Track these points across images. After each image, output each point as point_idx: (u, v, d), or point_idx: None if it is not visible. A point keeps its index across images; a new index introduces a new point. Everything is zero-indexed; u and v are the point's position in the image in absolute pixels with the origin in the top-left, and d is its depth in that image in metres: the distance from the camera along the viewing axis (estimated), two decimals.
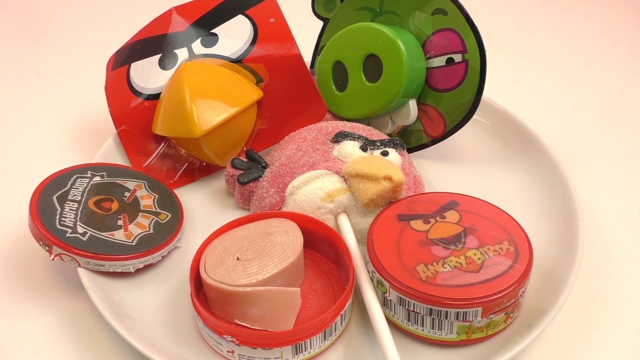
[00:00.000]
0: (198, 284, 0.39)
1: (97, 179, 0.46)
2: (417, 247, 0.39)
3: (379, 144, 0.46)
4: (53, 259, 0.41)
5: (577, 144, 0.58)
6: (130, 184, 0.47)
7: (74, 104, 0.64)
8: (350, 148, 0.45)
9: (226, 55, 0.52)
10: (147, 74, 0.53)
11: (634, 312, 0.42)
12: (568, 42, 0.77)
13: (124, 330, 0.37)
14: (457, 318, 0.36)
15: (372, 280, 0.39)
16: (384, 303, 0.38)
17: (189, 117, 0.46)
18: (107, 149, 0.52)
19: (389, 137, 0.47)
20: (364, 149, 0.45)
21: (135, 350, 0.38)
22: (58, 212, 0.42)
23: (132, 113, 0.53)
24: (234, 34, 0.52)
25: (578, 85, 0.68)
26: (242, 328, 0.37)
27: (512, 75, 0.69)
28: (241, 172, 0.47)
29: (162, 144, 0.53)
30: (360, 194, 0.42)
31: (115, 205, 0.45)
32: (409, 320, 0.37)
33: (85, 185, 0.45)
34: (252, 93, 0.50)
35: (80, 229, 0.41)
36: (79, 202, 0.44)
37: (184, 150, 0.52)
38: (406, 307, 0.37)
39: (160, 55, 0.53)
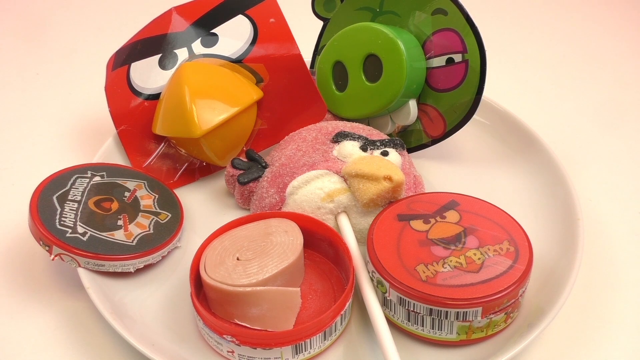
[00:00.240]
0: (198, 284, 0.39)
1: (97, 179, 0.46)
2: (417, 247, 0.39)
3: (379, 144, 0.46)
4: (53, 259, 0.41)
5: (577, 144, 0.58)
6: (130, 184, 0.47)
7: (74, 104, 0.64)
8: (350, 148, 0.45)
9: (226, 55, 0.52)
10: (147, 74, 0.53)
11: (634, 312, 0.42)
12: (568, 42, 0.77)
13: (124, 330, 0.37)
14: (457, 318, 0.36)
15: (372, 280, 0.39)
16: (384, 303, 0.38)
17: (189, 117, 0.46)
18: (107, 149, 0.52)
19: (389, 137, 0.47)
20: (364, 149, 0.45)
21: (135, 350, 0.38)
22: (58, 212, 0.42)
23: (132, 113, 0.53)
24: (234, 34, 0.52)
25: (578, 85, 0.68)
26: (242, 328, 0.37)
27: (512, 75, 0.69)
28: (241, 172, 0.47)
29: (162, 144, 0.53)
30: (360, 194, 0.42)
31: (115, 205, 0.45)
32: (409, 320, 0.37)
33: (85, 185, 0.45)
34: (252, 93, 0.50)
35: (80, 229, 0.41)
36: (79, 202, 0.44)
37: (184, 150, 0.52)
38: (406, 307, 0.37)
39: (160, 55, 0.53)
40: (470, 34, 0.47)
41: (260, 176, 0.47)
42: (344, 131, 0.47)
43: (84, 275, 0.41)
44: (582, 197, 0.49)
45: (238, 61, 0.52)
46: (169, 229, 0.45)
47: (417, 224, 0.40)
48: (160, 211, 0.46)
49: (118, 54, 0.55)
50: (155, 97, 0.53)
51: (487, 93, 0.50)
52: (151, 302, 0.41)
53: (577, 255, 0.41)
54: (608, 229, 0.48)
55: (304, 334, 0.36)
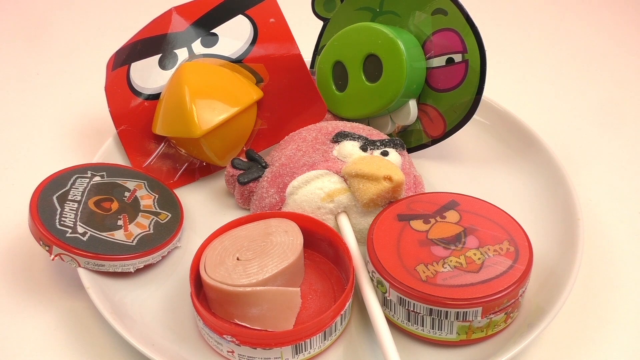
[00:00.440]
0: (198, 284, 0.39)
1: (97, 179, 0.46)
2: (417, 247, 0.39)
3: (379, 144, 0.46)
4: (53, 259, 0.41)
5: (577, 144, 0.58)
6: (130, 184, 0.47)
7: (74, 104, 0.64)
8: (350, 148, 0.45)
9: (226, 55, 0.52)
10: (147, 74, 0.53)
11: (634, 312, 0.42)
12: (568, 42, 0.77)
13: (124, 330, 0.37)
14: (457, 318, 0.36)
15: (372, 280, 0.39)
16: (384, 303, 0.38)
17: (189, 117, 0.46)
18: (107, 149, 0.52)
19: (389, 137, 0.47)
20: (364, 149, 0.45)
21: (135, 350, 0.38)
22: (58, 212, 0.42)
23: (132, 113, 0.53)
24: (234, 34, 0.52)
25: (578, 85, 0.68)
26: (242, 328, 0.37)
27: (512, 75, 0.69)
28: (241, 172, 0.47)
29: (162, 144, 0.53)
30: (360, 194, 0.42)
31: (115, 205, 0.45)
32: (409, 320, 0.37)
33: (85, 185, 0.45)
34: (252, 93, 0.50)
35: (80, 229, 0.41)
36: (79, 202, 0.44)
37: (184, 150, 0.52)
38: (406, 307, 0.37)
39: (160, 55, 0.53)
40: (470, 34, 0.47)
41: (260, 176, 0.47)
42: (344, 131, 0.47)
43: (84, 275, 0.41)
44: (582, 197, 0.49)
45: (238, 61, 0.52)
46: (169, 229, 0.45)
47: (417, 224, 0.40)
48: (160, 211, 0.46)
49: (118, 54, 0.55)
50: (155, 97, 0.53)
51: (487, 93, 0.50)
52: (151, 302, 0.41)
53: (577, 255, 0.41)
54: (608, 229, 0.48)
55: (304, 334, 0.36)
